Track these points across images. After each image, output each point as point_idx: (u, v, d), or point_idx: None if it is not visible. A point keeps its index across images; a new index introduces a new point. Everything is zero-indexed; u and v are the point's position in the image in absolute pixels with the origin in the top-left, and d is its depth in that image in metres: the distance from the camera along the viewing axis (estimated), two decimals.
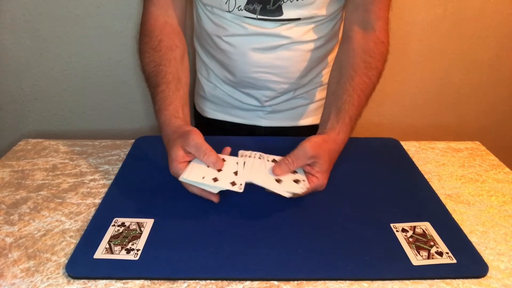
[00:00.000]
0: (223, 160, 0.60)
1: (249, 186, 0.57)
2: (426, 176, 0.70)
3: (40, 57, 1.10)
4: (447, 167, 0.75)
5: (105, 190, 0.66)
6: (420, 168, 0.73)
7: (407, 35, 1.14)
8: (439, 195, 0.65)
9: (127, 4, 1.04)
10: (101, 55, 1.11)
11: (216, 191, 0.58)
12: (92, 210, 0.61)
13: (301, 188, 0.58)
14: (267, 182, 0.58)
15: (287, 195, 0.57)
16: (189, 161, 0.60)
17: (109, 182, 0.68)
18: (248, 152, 0.65)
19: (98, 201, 0.63)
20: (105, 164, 0.74)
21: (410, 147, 0.82)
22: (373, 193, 0.65)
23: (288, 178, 0.59)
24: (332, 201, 0.62)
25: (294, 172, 0.61)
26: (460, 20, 1.13)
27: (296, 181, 0.60)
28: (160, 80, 0.68)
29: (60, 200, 0.64)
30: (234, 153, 0.65)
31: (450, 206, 0.63)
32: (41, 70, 1.12)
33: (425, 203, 0.63)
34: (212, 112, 0.91)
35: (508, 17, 1.14)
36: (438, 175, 0.72)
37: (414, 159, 0.75)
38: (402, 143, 0.81)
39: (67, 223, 0.58)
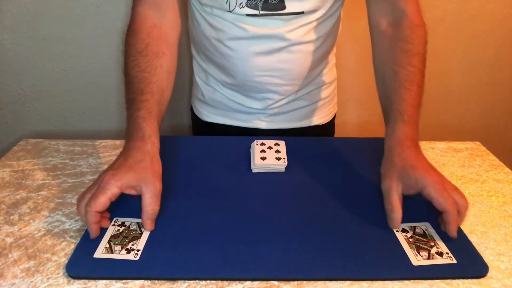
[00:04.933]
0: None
1: (250, 186, 0.57)
2: None
3: (40, 57, 1.10)
4: (447, 167, 0.75)
5: None
6: None
7: None
8: None
9: (127, 4, 1.04)
10: (101, 55, 1.11)
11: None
12: None
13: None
14: None
15: None
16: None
17: None
18: None
19: None
20: (105, 164, 0.74)
21: None
22: (373, 193, 0.65)
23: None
24: (332, 201, 0.62)
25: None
26: (460, 20, 1.14)
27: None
28: (144, 88, 0.64)
29: (60, 200, 0.64)
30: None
31: None
32: (41, 70, 1.12)
33: (425, 203, 0.63)
34: (212, 116, 0.89)
35: (508, 17, 1.14)
36: None
37: None
38: None
39: (67, 223, 0.58)
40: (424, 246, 0.53)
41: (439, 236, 0.55)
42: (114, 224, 0.56)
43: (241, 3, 0.69)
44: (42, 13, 1.04)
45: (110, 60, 1.12)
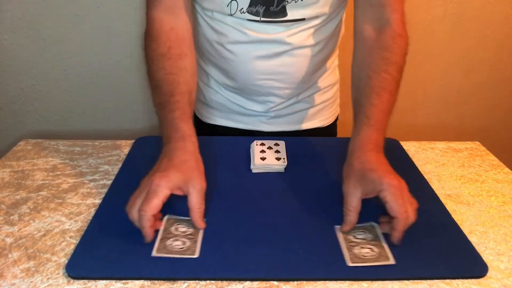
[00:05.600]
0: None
1: (250, 186, 0.57)
2: (426, 176, 0.70)
3: (40, 57, 1.10)
4: (447, 167, 0.75)
5: (105, 190, 0.66)
6: (420, 168, 0.73)
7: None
8: (439, 195, 0.65)
9: (127, 4, 1.04)
10: (101, 55, 1.11)
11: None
12: (92, 211, 0.61)
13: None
14: None
15: None
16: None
17: (109, 182, 0.68)
18: None
19: (98, 201, 0.63)
20: (105, 164, 0.74)
21: (410, 147, 0.82)
22: None
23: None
24: (332, 201, 0.62)
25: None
26: (460, 20, 1.14)
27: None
28: (174, 89, 0.64)
29: (60, 201, 0.64)
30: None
31: (450, 206, 0.63)
32: (41, 70, 1.12)
33: (425, 203, 0.63)
34: (213, 118, 0.89)
35: (508, 17, 1.14)
36: (438, 175, 0.72)
37: (414, 159, 0.75)
38: (402, 143, 0.81)
39: (67, 224, 0.58)
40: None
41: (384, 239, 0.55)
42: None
43: (242, 8, 0.69)
44: (42, 13, 1.04)
45: (110, 60, 1.12)
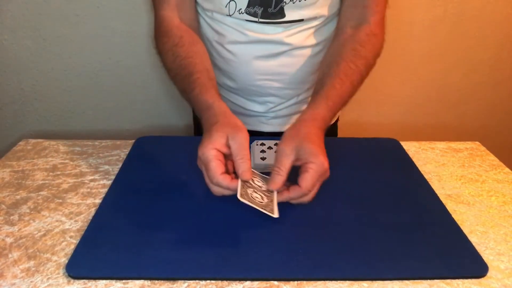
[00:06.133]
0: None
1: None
2: (426, 176, 0.70)
3: (40, 57, 1.10)
4: (447, 167, 0.75)
5: (105, 190, 0.66)
6: (420, 168, 0.73)
7: (407, 35, 1.14)
8: (439, 195, 0.65)
9: (127, 4, 1.04)
10: (101, 55, 1.11)
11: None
12: (92, 210, 0.61)
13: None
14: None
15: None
16: (224, 155, 0.56)
17: (109, 182, 0.68)
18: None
19: (98, 201, 0.63)
20: (105, 164, 0.74)
21: (410, 147, 0.82)
22: (373, 193, 0.65)
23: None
24: (332, 201, 0.62)
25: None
26: (460, 20, 1.14)
27: None
28: (192, 69, 0.66)
29: (60, 200, 0.64)
30: None
31: (450, 206, 0.63)
32: (41, 70, 1.12)
33: (425, 204, 0.63)
34: None
35: (508, 17, 1.14)
36: (438, 175, 0.72)
37: (414, 159, 0.75)
38: (402, 143, 0.81)
39: (67, 223, 0.58)
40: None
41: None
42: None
43: (240, 9, 0.70)
44: (42, 13, 1.04)
45: (110, 60, 1.12)
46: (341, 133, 1.00)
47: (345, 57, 0.68)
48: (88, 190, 0.66)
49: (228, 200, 0.61)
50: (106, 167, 0.73)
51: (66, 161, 0.75)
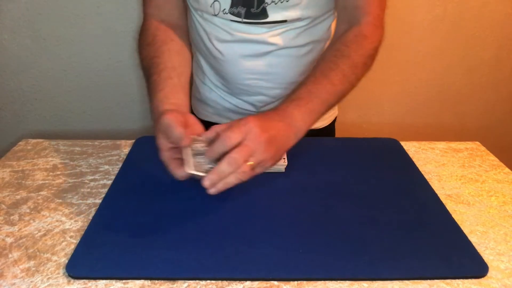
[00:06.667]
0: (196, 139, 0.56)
1: (250, 186, 0.56)
2: (426, 177, 0.70)
3: (40, 57, 1.10)
4: (447, 168, 0.75)
5: (105, 190, 0.66)
6: (420, 168, 0.73)
7: (407, 35, 1.14)
8: (439, 195, 0.65)
9: (127, 4, 1.04)
10: (101, 55, 1.11)
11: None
12: (92, 210, 0.61)
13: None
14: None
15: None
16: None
17: (109, 182, 0.68)
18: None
19: (98, 201, 0.63)
20: (105, 164, 0.74)
21: (410, 147, 0.82)
22: (373, 193, 0.65)
23: None
24: (332, 201, 0.62)
25: None
26: (460, 20, 1.14)
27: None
28: (153, 71, 0.66)
29: (60, 200, 0.64)
30: None
31: (450, 206, 0.63)
32: (41, 70, 1.12)
33: (425, 203, 0.63)
34: (208, 115, 0.90)
35: (508, 17, 1.14)
36: (438, 176, 0.72)
37: (414, 159, 0.75)
38: (402, 143, 0.81)
39: (67, 223, 0.59)
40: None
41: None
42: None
43: (224, 9, 0.70)
44: (42, 13, 1.04)
45: (110, 60, 1.12)
46: (340, 133, 0.99)
47: (326, 57, 0.66)
48: (88, 190, 0.66)
49: (228, 200, 0.61)
50: (106, 167, 0.73)
51: (66, 161, 0.75)
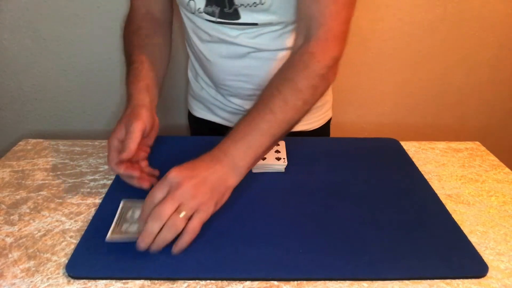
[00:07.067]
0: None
1: (250, 186, 0.56)
2: (426, 176, 0.70)
3: (40, 57, 1.10)
4: (447, 168, 0.75)
5: (105, 190, 0.66)
6: (420, 168, 0.73)
7: (407, 35, 1.14)
8: (439, 195, 0.65)
9: (127, 4, 1.04)
10: (101, 55, 1.11)
11: None
12: (92, 210, 0.61)
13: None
14: None
15: None
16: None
17: (109, 182, 0.68)
18: None
19: (98, 201, 0.63)
20: (105, 164, 0.74)
21: (410, 147, 0.82)
22: (373, 193, 0.65)
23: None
24: (332, 201, 0.62)
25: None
26: (460, 21, 1.13)
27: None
28: (135, 58, 0.70)
29: (60, 200, 0.64)
30: None
31: (450, 206, 0.63)
32: (41, 70, 1.12)
33: (425, 203, 0.63)
34: (200, 112, 0.92)
35: (508, 17, 1.14)
36: (438, 175, 0.72)
37: (414, 160, 0.75)
38: (402, 143, 0.81)
39: (67, 223, 0.58)
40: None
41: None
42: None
43: (199, 8, 0.70)
44: (42, 13, 1.04)
45: (110, 60, 1.12)
46: (340, 133, 1.00)
47: (271, 82, 0.63)
48: (88, 190, 0.66)
49: (228, 200, 0.61)
50: (106, 167, 0.73)
51: (66, 161, 0.75)
